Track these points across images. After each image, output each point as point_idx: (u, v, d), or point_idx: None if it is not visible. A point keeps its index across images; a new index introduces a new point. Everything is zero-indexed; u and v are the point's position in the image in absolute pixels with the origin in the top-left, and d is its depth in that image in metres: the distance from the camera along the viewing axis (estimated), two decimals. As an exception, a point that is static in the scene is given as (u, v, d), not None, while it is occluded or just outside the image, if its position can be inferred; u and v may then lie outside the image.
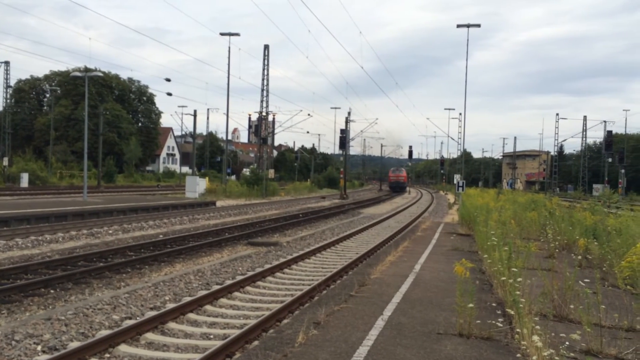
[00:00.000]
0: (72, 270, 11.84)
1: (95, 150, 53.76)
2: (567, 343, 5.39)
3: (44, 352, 6.84)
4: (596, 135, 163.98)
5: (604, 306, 6.44)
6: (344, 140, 53.45)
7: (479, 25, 34.77)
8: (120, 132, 70.20)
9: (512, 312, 6.03)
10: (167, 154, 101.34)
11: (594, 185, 70.50)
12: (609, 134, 61.57)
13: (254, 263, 14.06)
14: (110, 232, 18.54)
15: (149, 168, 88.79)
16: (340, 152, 55.82)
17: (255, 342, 6.97)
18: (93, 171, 54.13)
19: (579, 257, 10.75)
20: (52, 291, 10.32)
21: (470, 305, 6.25)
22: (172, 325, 8.16)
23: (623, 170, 60.37)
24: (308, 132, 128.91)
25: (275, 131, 67.12)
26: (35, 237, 16.16)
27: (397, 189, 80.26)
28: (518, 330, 5.75)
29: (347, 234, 20.52)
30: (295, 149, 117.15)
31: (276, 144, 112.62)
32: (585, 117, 76.65)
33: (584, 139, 77.20)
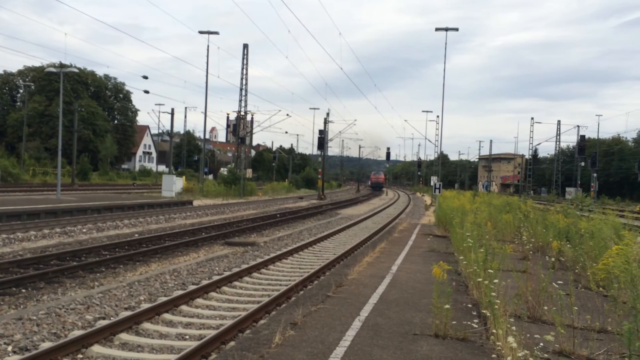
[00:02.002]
0: (44, 269, 11.62)
1: (69, 148, 52.89)
2: (540, 344, 5.47)
3: (14, 352, 6.70)
4: (570, 140, 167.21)
5: (576, 308, 6.56)
6: (322, 141, 53.50)
7: (457, 29, 35.10)
8: (95, 129, 69.16)
9: (488, 313, 6.10)
10: (144, 152, 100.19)
11: (567, 189, 71.79)
12: (582, 138, 62.81)
13: (231, 263, 13.97)
14: (84, 230, 18.25)
15: (124, 166, 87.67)
16: (319, 152, 55.97)
17: (232, 343, 6.93)
18: (67, 169, 53.21)
19: (553, 259, 10.93)
20: (23, 290, 10.11)
21: (447, 306, 6.30)
22: (147, 325, 8.06)
23: (595, 174, 61.60)
24: (287, 132, 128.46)
25: (254, 131, 66.91)
26: (6, 235, 15.82)
27: (377, 187, 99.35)
28: (493, 331, 5.82)
29: (325, 234, 20.53)
30: (274, 149, 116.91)
31: (254, 143, 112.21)
32: (559, 121, 78.03)
33: (557, 143, 78.64)
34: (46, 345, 6.81)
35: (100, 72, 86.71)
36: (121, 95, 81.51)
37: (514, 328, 5.53)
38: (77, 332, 7.33)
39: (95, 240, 16.41)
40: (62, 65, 51.65)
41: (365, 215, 32.50)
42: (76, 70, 37.37)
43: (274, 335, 6.09)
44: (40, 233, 16.76)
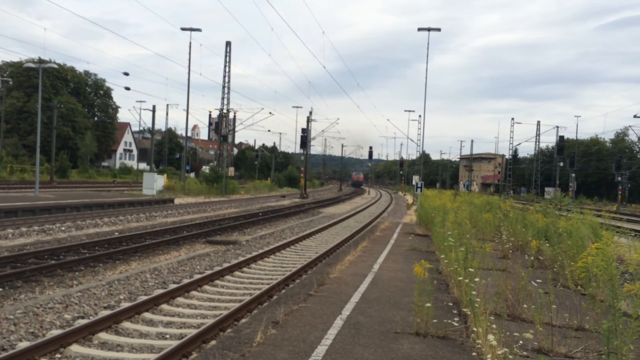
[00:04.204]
0: (21, 267, 11.44)
1: (48, 145, 52.13)
2: (520, 342, 5.53)
3: (-10, 352, 6.58)
4: (549, 140, 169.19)
5: (555, 306, 6.64)
6: (305, 140, 53.47)
7: (439, 29, 35.29)
8: (75, 126, 68.27)
9: (468, 312, 6.15)
10: (124, 150, 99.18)
11: (546, 188, 72.78)
12: (561, 139, 63.68)
13: (213, 262, 13.90)
14: (63, 228, 18.00)
15: (104, 164, 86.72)
16: (301, 151, 55.85)
17: (213, 342, 6.90)
18: (46, 166, 52.43)
19: (532, 258, 11.05)
20: (0, 289, 9.93)
21: (428, 304, 6.34)
22: (126, 324, 7.98)
23: (573, 174, 62.49)
24: (269, 131, 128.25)
25: (236, 129, 66.66)
26: (-18, 233, 15.53)
27: (357, 185, 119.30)
28: (474, 329, 5.87)
29: (307, 233, 20.53)
30: (256, 147, 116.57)
31: (237, 141, 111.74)
32: (538, 122, 79.20)
33: (537, 143, 79.59)
34: (24, 344, 6.70)
35: (80, 68, 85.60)
36: (101, 92, 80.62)
37: (494, 326, 5.58)
38: (56, 332, 7.24)
39: (74, 239, 16.19)
40: (41, 61, 50.85)
41: (348, 214, 32.56)
42: (55, 66, 36.86)
43: (256, 334, 6.08)
44: (17, 231, 16.49)
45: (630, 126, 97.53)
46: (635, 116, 50.21)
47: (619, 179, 61.31)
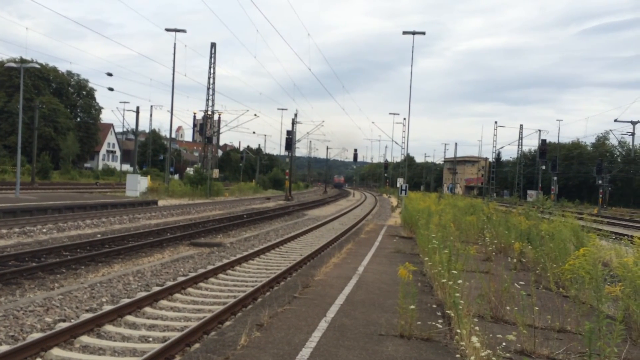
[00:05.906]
0: (1, 270, 11.24)
1: (29, 145, 51.49)
2: (503, 343, 5.57)
3: (-32, 357, 6.47)
4: (531, 144, 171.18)
5: (537, 308, 6.70)
6: (290, 142, 53.43)
7: (423, 33, 35.48)
8: (57, 126, 67.53)
9: (452, 314, 6.18)
10: (107, 151, 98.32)
11: (528, 191, 73.57)
12: (543, 142, 64.40)
13: (197, 264, 13.81)
14: (44, 230, 17.77)
15: (87, 165, 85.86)
16: (286, 153, 55.82)
17: (196, 345, 6.85)
18: (27, 167, 51.78)
19: (515, 260, 11.16)
20: (-21, 292, 9.77)
21: (412, 307, 6.36)
22: (109, 327, 7.90)
23: (555, 178, 63.25)
24: (254, 133, 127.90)
25: (221, 130, 66.36)
26: (-39, 235, 15.26)
27: (339, 187, 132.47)
28: (457, 331, 5.90)
29: (292, 235, 20.50)
30: (241, 149, 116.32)
31: (221, 143, 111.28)
32: (521, 125, 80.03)
33: (520, 146, 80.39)
34: (3, 348, 6.60)
35: (62, 68, 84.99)
36: (84, 92, 79.87)
37: (477, 328, 5.61)
38: (36, 335, 7.13)
39: (55, 241, 15.99)
40: (22, 61, 50.19)
41: (333, 217, 32.58)
42: (37, 66, 36.36)
43: (240, 336, 6.05)
44: (-3, 233, 16.24)
45: (610, 130, 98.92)
46: (616, 120, 51.03)
47: (600, 182, 62.18)
